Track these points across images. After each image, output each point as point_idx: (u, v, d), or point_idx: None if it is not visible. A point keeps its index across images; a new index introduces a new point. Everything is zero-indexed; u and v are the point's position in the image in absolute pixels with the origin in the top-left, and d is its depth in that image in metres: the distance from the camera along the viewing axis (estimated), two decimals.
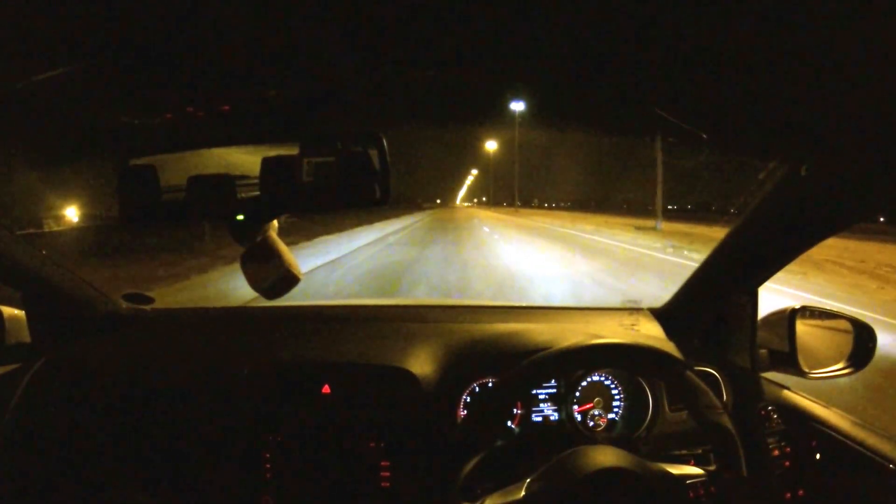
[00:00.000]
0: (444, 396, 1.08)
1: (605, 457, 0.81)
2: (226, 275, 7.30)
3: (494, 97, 0.82)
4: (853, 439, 0.99)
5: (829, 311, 1.15)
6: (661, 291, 1.45)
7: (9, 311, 1.15)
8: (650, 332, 1.28)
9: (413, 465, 1.03)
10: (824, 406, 1.12)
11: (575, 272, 8.36)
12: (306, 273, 1.45)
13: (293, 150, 0.74)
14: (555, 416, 1.14)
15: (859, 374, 1.10)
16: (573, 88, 0.74)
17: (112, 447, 1.10)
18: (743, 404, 1.13)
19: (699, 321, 1.24)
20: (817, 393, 1.17)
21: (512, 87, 0.73)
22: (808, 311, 1.12)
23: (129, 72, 0.66)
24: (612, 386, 1.17)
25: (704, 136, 0.75)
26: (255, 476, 1.05)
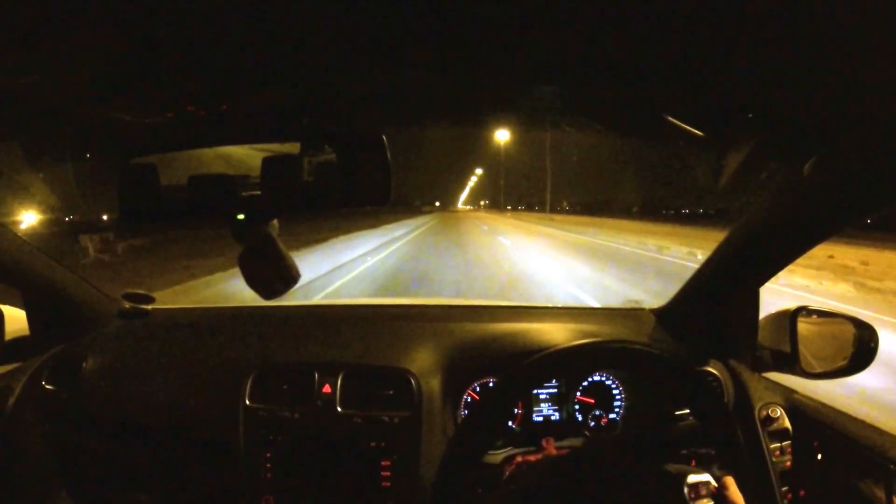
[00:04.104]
0: (444, 396, 1.08)
1: (606, 457, 0.81)
2: None
3: (499, 96, 0.82)
4: (854, 439, 0.99)
5: (830, 312, 1.15)
6: None
7: (9, 310, 1.16)
8: (652, 333, 1.27)
9: (413, 465, 1.03)
10: (826, 406, 1.11)
11: None
12: None
13: (294, 149, 0.75)
14: (556, 416, 1.13)
15: None
16: (577, 88, 0.74)
17: (112, 446, 1.10)
18: (744, 404, 1.13)
19: (700, 321, 1.24)
20: (819, 393, 1.16)
21: (516, 85, 0.73)
22: (809, 312, 1.12)
23: (131, 71, 0.66)
24: (614, 386, 1.16)
25: (702, 133, 0.75)
26: (256, 476, 1.05)
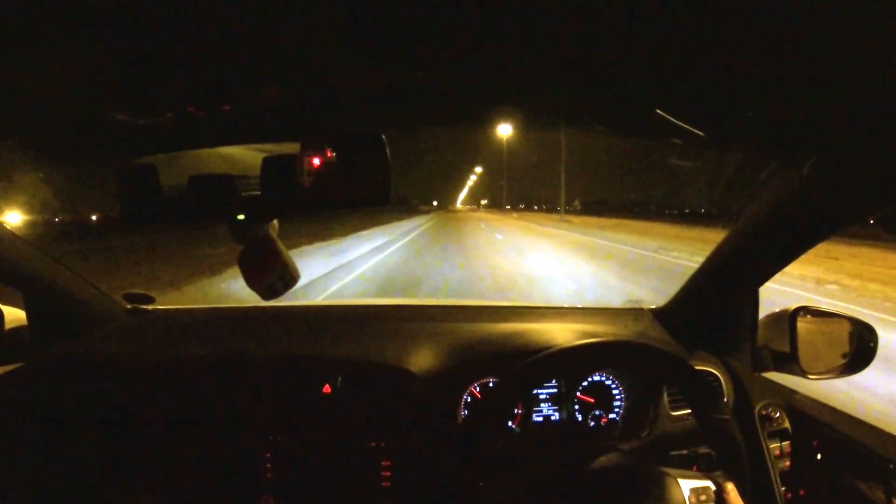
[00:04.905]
0: (444, 396, 1.08)
1: (605, 458, 0.81)
2: None
3: (500, 96, 0.82)
4: (854, 439, 0.99)
5: (829, 312, 1.15)
6: None
7: (9, 310, 1.16)
8: (652, 333, 1.27)
9: (413, 465, 1.03)
10: (825, 406, 1.11)
11: None
12: None
13: (294, 149, 0.75)
14: (555, 416, 1.13)
15: None
16: (577, 88, 0.74)
17: (113, 446, 1.10)
18: (744, 404, 1.13)
19: (700, 321, 1.24)
20: (819, 393, 1.16)
21: (515, 82, 0.73)
22: (808, 311, 1.12)
23: (131, 72, 0.66)
24: (613, 386, 1.17)
25: (703, 134, 0.75)
26: (256, 475, 1.05)
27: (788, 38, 0.52)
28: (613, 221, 31.61)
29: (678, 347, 1.19)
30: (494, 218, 40.86)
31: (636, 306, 1.43)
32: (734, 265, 1.09)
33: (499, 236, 17.58)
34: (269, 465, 1.05)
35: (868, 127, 0.66)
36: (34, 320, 1.18)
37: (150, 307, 1.39)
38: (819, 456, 1.06)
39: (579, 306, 1.50)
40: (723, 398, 1.14)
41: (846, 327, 1.12)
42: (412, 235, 17.44)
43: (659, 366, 0.88)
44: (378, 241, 14.03)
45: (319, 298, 6.22)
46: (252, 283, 0.86)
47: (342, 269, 8.51)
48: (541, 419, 1.13)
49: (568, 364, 0.90)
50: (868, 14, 0.46)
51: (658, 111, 0.73)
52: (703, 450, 1.09)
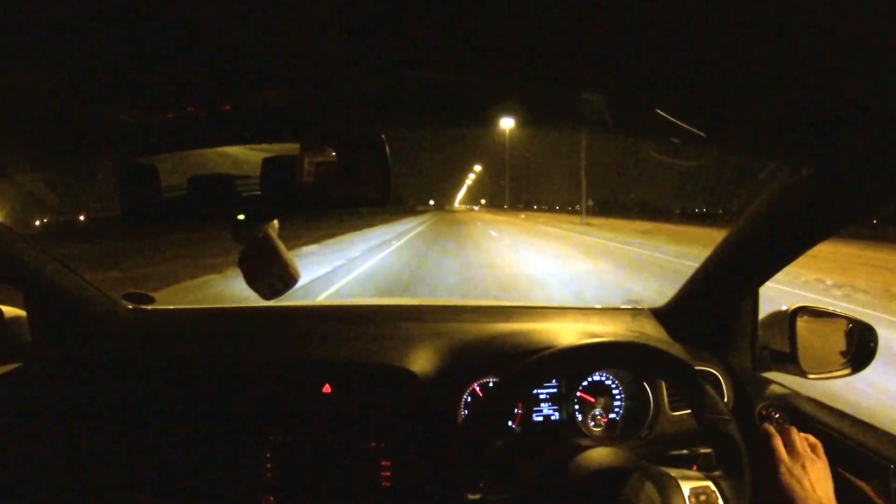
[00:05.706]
0: (444, 396, 1.08)
1: (606, 458, 0.81)
2: None
3: (499, 95, 0.81)
4: (853, 439, 0.99)
5: (829, 312, 1.15)
6: None
7: (9, 310, 1.16)
8: (652, 333, 1.28)
9: (413, 465, 1.03)
10: (825, 406, 1.11)
11: None
12: None
13: (294, 150, 0.75)
14: (556, 416, 1.13)
15: None
16: (576, 90, 0.74)
17: (112, 447, 1.10)
18: (743, 404, 1.13)
19: (700, 321, 1.24)
20: (818, 393, 1.16)
21: (513, 81, 0.73)
22: (808, 312, 1.12)
23: (131, 71, 0.66)
24: (613, 386, 1.17)
25: (703, 134, 0.75)
26: (256, 476, 1.05)
27: (789, 37, 0.52)
28: (647, 225, 25.80)
29: (678, 347, 1.19)
30: (500, 220, 35.18)
31: (636, 306, 1.43)
32: (734, 265, 1.09)
33: (528, 255, 11.62)
34: (269, 465, 1.05)
35: (868, 126, 0.65)
36: (34, 320, 1.18)
37: (150, 307, 1.39)
38: None
39: (579, 306, 1.50)
40: (722, 398, 1.14)
41: (845, 327, 1.12)
42: (391, 248, 13.17)
43: (659, 366, 0.88)
44: (336, 262, 10.28)
45: (320, 298, 6.23)
46: (252, 283, 0.86)
47: None
48: (541, 419, 1.13)
49: (568, 364, 0.90)
50: (868, 12, 0.46)
51: (667, 115, 0.73)
52: (703, 450, 1.09)
